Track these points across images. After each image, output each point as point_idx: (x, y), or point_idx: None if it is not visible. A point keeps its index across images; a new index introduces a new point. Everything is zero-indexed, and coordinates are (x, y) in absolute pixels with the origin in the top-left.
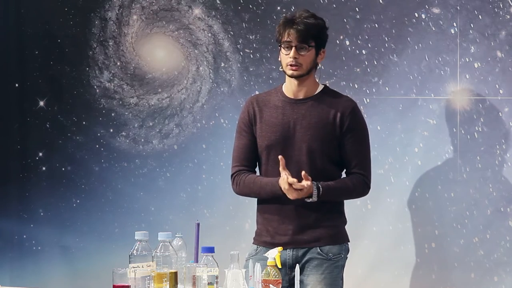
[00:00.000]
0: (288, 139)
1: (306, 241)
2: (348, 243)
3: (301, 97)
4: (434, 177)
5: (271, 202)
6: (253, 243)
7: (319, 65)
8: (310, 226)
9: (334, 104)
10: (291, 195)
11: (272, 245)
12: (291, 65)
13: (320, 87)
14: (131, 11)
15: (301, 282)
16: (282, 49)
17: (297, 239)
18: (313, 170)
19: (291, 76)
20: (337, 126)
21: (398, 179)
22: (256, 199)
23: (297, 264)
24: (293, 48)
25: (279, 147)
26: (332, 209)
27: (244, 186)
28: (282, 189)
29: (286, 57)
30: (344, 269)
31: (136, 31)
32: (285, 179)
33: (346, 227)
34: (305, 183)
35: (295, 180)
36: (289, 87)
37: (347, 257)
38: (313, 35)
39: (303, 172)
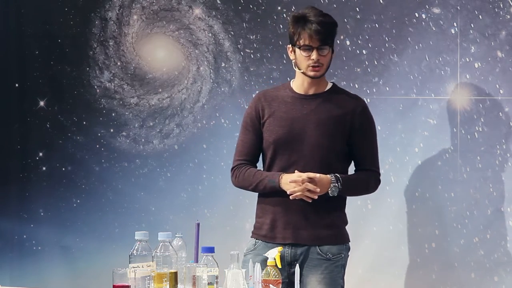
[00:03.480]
0: (296, 134)
1: (306, 238)
2: (349, 242)
3: (311, 93)
4: (434, 177)
5: (273, 195)
6: (251, 237)
7: None
8: (311, 223)
9: (344, 102)
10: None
11: (272, 239)
12: (313, 67)
13: (329, 85)
14: (131, 11)
15: (300, 281)
16: (300, 50)
17: (297, 235)
18: (322, 166)
19: (314, 77)
20: (347, 124)
21: (398, 179)
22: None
23: (297, 264)
24: (315, 50)
25: (287, 142)
26: (335, 208)
27: (244, 178)
28: (284, 183)
29: (306, 58)
30: (346, 268)
31: (137, 31)
32: (300, 174)
33: (346, 227)
34: (306, 176)
35: (317, 175)
36: (300, 84)
37: (348, 256)
38: (330, 34)
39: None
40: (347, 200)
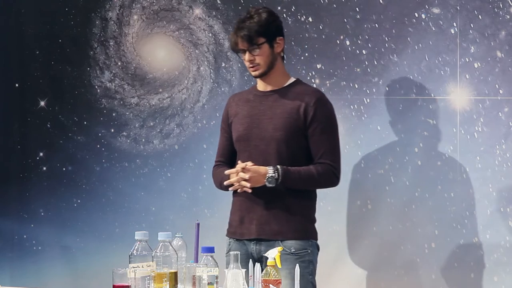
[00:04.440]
0: (254, 130)
1: (269, 233)
2: (316, 240)
3: (269, 90)
4: (434, 177)
5: (241, 192)
6: (226, 235)
7: (283, 54)
8: (274, 218)
9: (299, 95)
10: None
11: (240, 236)
12: (250, 67)
13: (291, 80)
14: (131, 11)
15: None
16: (240, 56)
17: (260, 230)
18: (281, 160)
19: (255, 77)
20: (301, 117)
21: (398, 179)
22: None
23: (297, 264)
24: (246, 53)
25: (246, 139)
26: (300, 204)
27: (214, 178)
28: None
29: (245, 62)
30: (316, 266)
31: (137, 31)
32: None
33: (346, 226)
34: (239, 166)
35: (248, 163)
36: (259, 82)
37: (317, 253)
38: (259, 32)
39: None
40: (347, 200)
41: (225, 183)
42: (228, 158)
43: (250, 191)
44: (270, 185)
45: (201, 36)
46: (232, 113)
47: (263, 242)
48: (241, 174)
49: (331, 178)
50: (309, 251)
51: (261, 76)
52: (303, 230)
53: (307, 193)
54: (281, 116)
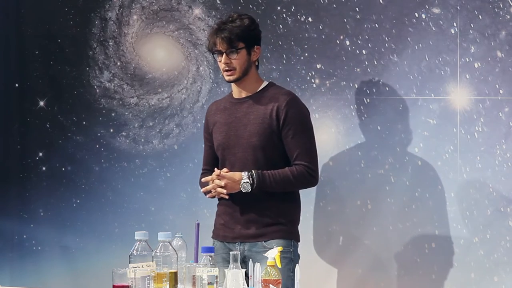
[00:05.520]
0: (232, 137)
1: (252, 236)
2: (298, 242)
3: (243, 96)
4: (434, 177)
5: (224, 199)
6: (211, 237)
7: (257, 63)
8: (256, 222)
9: (271, 99)
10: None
11: (224, 239)
12: (225, 71)
13: (264, 84)
14: (131, 11)
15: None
16: (215, 57)
17: (243, 234)
18: (257, 166)
19: (228, 81)
20: (274, 120)
21: (398, 179)
22: None
23: (297, 264)
24: (224, 55)
25: (225, 147)
26: (280, 208)
27: (200, 186)
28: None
29: (220, 64)
30: (296, 264)
31: (136, 31)
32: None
33: (346, 226)
34: (215, 173)
35: (223, 170)
36: (234, 89)
37: (298, 255)
38: (240, 37)
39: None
40: (347, 200)
41: (202, 190)
42: (213, 165)
43: (227, 197)
44: (245, 191)
45: (201, 36)
46: (212, 122)
47: (246, 243)
48: (216, 181)
49: (307, 179)
50: (291, 250)
51: (234, 81)
52: (284, 231)
53: (288, 195)
54: (254, 122)
